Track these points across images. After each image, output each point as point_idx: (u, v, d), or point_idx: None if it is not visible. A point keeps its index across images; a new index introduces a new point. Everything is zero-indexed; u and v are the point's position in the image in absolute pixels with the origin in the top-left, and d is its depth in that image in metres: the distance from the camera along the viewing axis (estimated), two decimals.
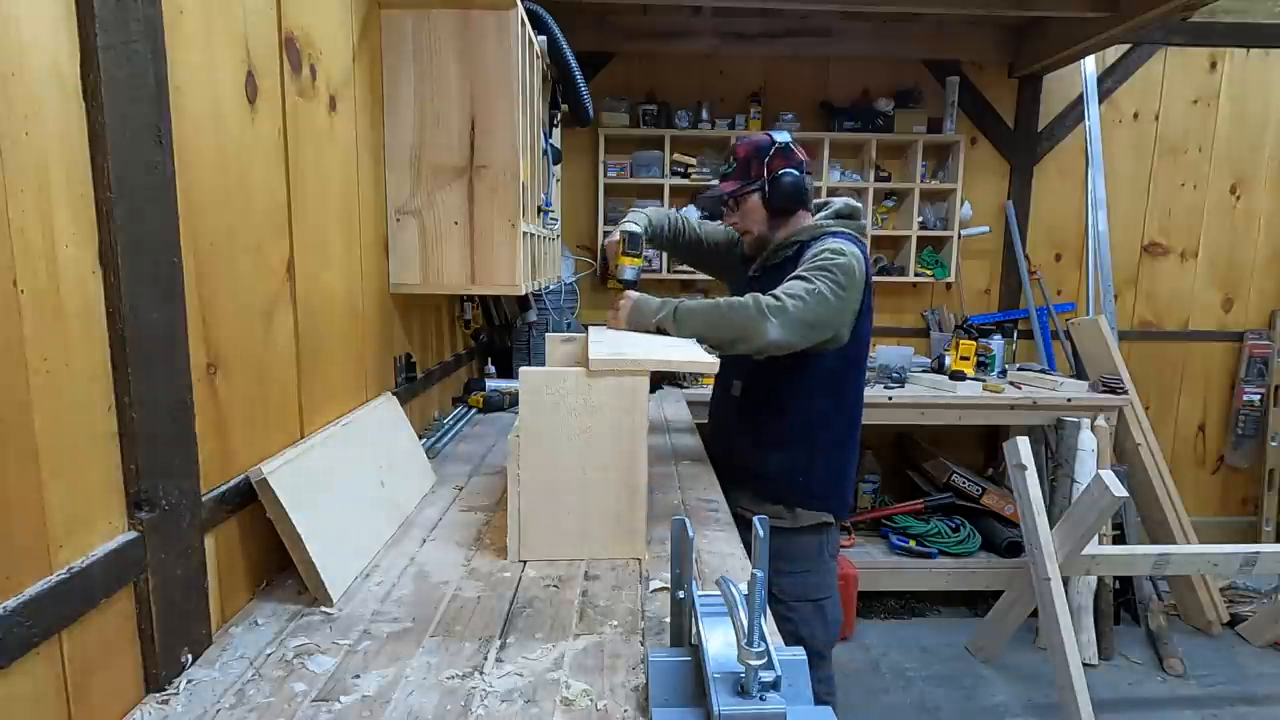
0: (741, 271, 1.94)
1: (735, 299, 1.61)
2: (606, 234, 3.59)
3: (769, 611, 0.98)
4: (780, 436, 1.81)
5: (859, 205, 1.83)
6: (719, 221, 2.02)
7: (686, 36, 3.47)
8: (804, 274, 1.62)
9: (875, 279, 3.62)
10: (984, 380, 3.26)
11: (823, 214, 1.81)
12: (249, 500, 1.14)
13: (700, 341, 1.57)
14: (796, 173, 1.75)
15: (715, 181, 1.91)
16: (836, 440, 1.82)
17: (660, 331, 1.65)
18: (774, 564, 1.56)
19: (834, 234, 1.72)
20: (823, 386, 1.76)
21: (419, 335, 2.14)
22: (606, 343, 1.50)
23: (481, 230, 1.82)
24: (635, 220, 1.94)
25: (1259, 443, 3.85)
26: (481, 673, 0.98)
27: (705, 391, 3.03)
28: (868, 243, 1.82)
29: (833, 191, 3.59)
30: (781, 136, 1.79)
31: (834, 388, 1.78)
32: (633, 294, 1.72)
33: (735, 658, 0.79)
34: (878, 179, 3.60)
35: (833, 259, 1.62)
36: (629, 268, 1.86)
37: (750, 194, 1.79)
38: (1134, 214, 3.79)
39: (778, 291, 1.59)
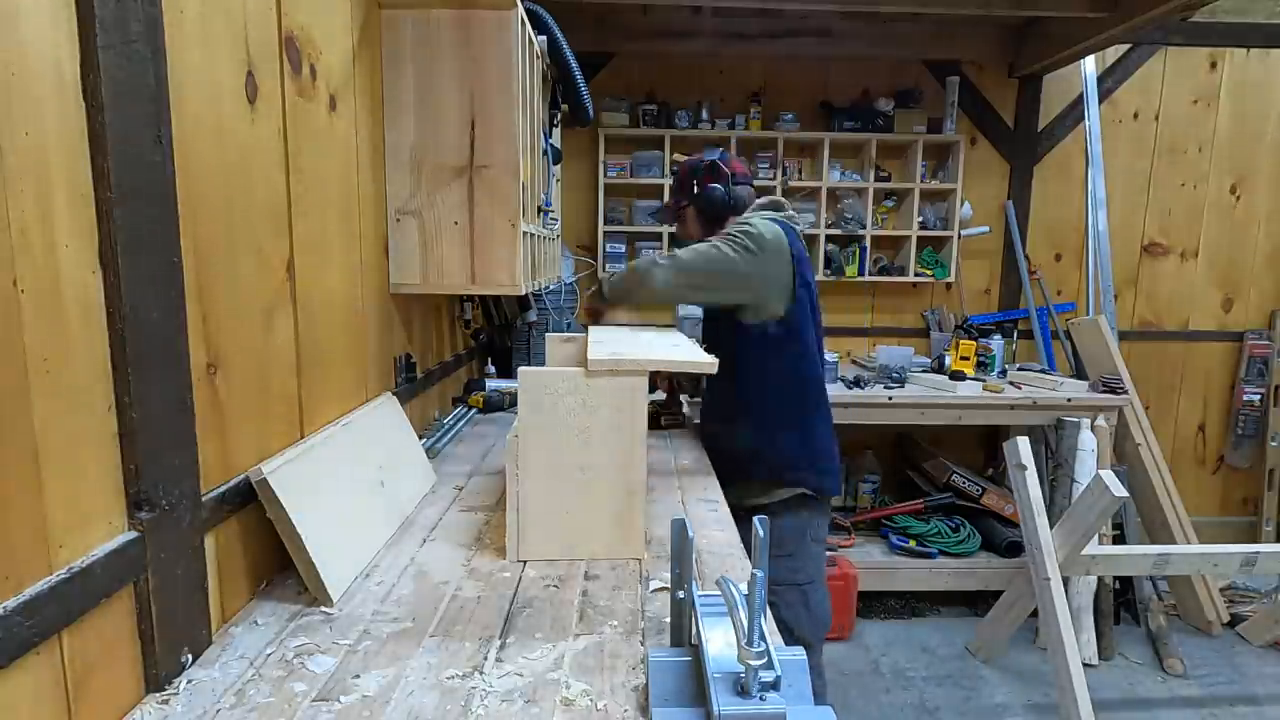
0: None
1: (639, 261, 1.98)
2: (610, 245, 3.60)
3: (769, 611, 0.98)
4: (738, 407, 1.97)
5: (784, 200, 2.04)
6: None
7: (686, 36, 3.47)
8: (713, 239, 1.88)
9: (875, 279, 3.67)
10: (984, 380, 3.26)
11: (750, 209, 2.02)
12: (249, 500, 1.14)
13: (622, 302, 2.01)
14: (722, 187, 2.00)
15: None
16: (795, 410, 1.93)
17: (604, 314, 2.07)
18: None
19: (757, 213, 1.97)
20: (767, 353, 1.90)
21: (419, 335, 2.14)
22: (606, 343, 1.50)
23: (481, 230, 1.82)
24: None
25: (1259, 443, 3.85)
26: (481, 673, 0.98)
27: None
28: (797, 228, 1.95)
29: (831, 192, 3.59)
30: (711, 155, 2.05)
31: (779, 354, 1.90)
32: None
33: (735, 658, 0.79)
34: (878, 179, 3.60)
35: (736, 227, 1.87)
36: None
37: (685, 208, 2.07)
38: (1134, 214, 3.79)
39: (677, 251, 1.90)
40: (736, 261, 1.81)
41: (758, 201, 2.02)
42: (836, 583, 2.90)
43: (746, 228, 1.83)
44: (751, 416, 1.94)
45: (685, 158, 2.03)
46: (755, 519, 0.86)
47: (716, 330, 2.00)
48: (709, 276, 1.82)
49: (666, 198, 2.18)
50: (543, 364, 1.61)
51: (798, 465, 1.92)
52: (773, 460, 1.92)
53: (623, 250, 3.62)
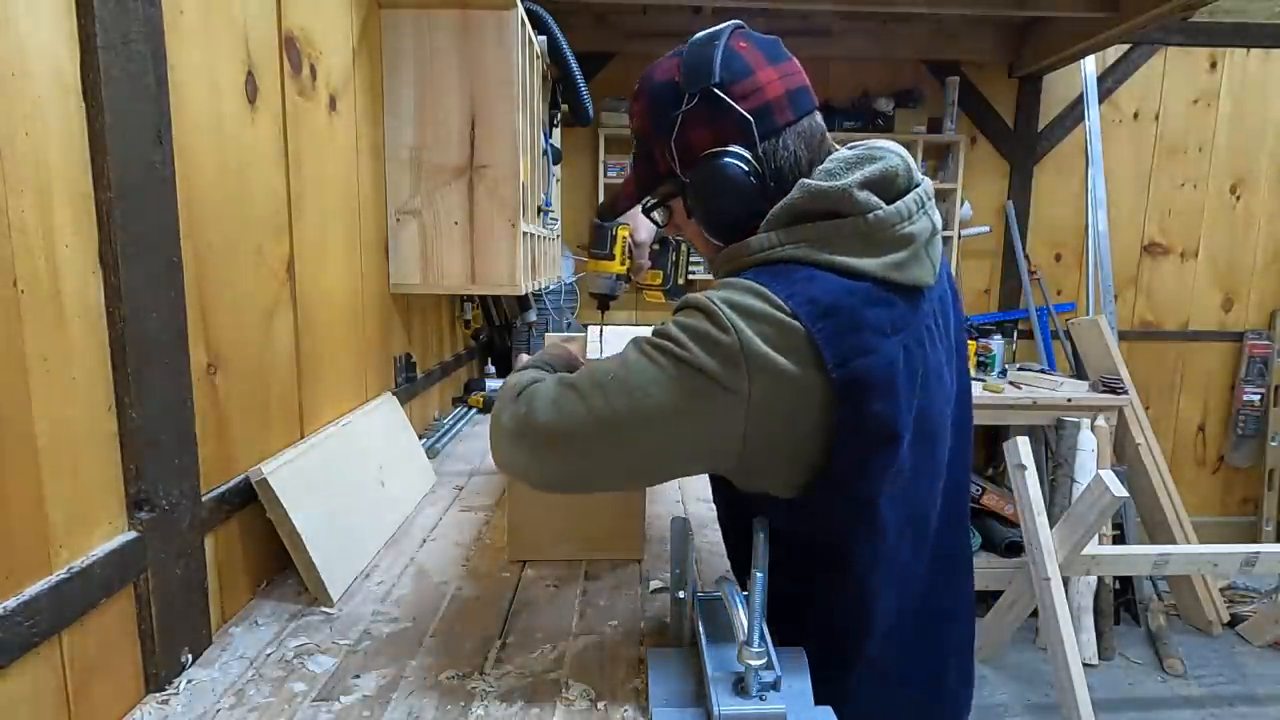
0: None
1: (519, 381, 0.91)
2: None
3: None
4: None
5: (856, 166, 0.81)
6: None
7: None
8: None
9: None
10: (984, 380, 3.26)
11: (771, 213, 0.85)
12: (249, 500, 1.14)
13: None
14: (736, 157, 0.84)
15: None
16: (834, 644, 0.90)
17: None
18: None
19: (760, 269, 0.82)
20: (779, 560, 0.86)
21: (419, 335, 2.14)
22: (606, 342, 1.50)
23: (481, 230, 1.82)
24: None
25: (1259, 443, 3.85)
26: (481, 673, 0.98)
27: None
28: (896, 253, 0.80)
29: None
30: (696, 66, 0.87)
31: (793, 578, 0.89)
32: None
33: (735, 658, 0.79)
34: None
35: (670, 320, 0.81)
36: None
37: (669, 199, 0.97)
38: (1134, 214, 3.79)
39: (563, 374, 0.88)
40: (658, 403, 0.77)
41: (793, 196, 0.82)
42: None
43: (680, 320, 0.79)
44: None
45: (642, 80, 0.92)
46: (755, 518, 0.86)
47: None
48: (562, 458, 0.83)
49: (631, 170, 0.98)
50: None
51: None
52: None
53: None
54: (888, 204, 0.80)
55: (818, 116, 0.89)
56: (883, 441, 0.78)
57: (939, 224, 0.86)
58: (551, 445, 0.82)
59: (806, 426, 0.76)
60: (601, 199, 3.54)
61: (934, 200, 0.87)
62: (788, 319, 0.74)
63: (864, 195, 0.79)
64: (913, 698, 0.98)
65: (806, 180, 0.82)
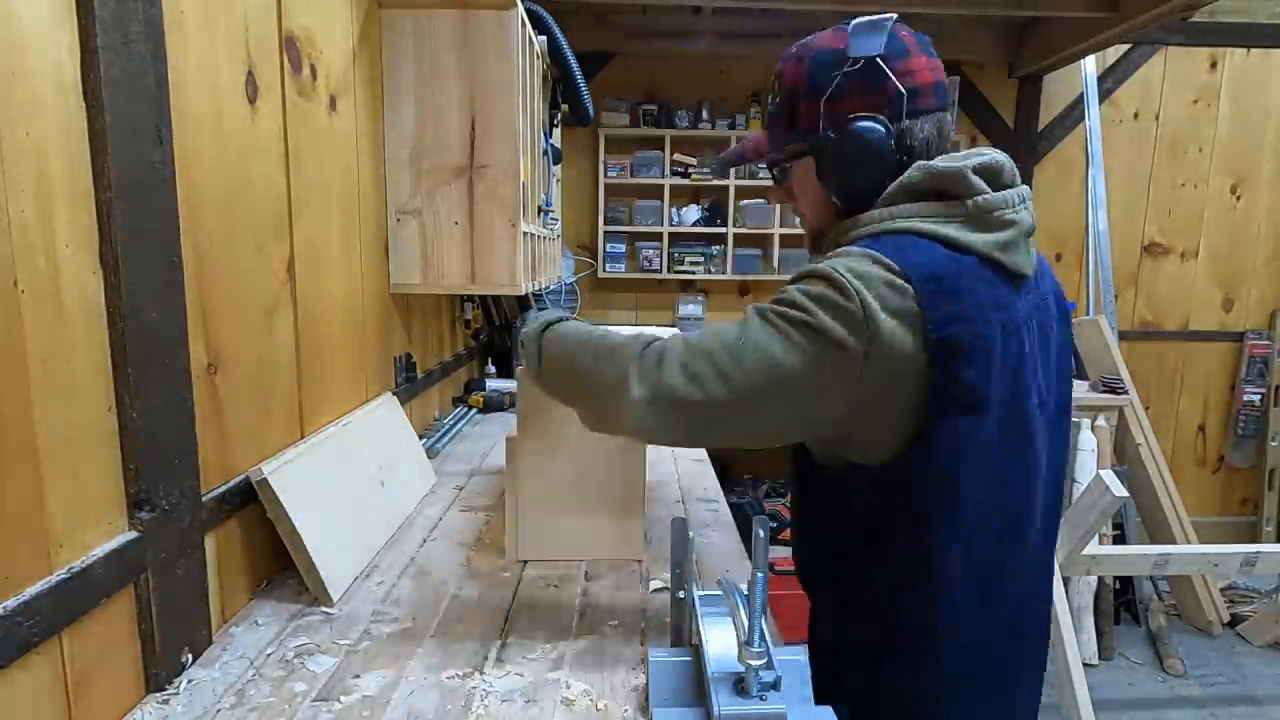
0: None
1: (619, 336, 0.94)
2: (610, 245, 3.59)
3: (769, 613, 0.95)
4: (826, 618, 1.00)
5: (969, 156, 0.89)
6: (755, 202, 1.15)
7: (686, 36, 3.47)
8: (748, 310, 0.87)
9: None
10: None
11: (889, 191, 0.89)
12: (249, 500, 1.14)
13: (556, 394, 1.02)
14: (883, 125, 0.87)
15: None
16: (906, 646, 0.89)
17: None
18: None
19: (873, 240, 0.85)
20: (875, 531, 0.88)
21: (419, 335, 2.14)
22: None
23: (481, 230, 1.82)
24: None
25: (1259, 443, 3.85)
26: (481, 673, 0.98)
27: None
28: (997, 234, 0.85)
29: None
30: (859, 31, 0.88)
31: (897, 548, 0.87)
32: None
33: (735, 658, 0.79)
34: None
35: (790, 288, 0.84)
36: None
37: (798, 157, 0.96)
38: (1134, 214, 3.79)
39: (678, 336, 0.90)
40: (779, 374, 0.81)
41: (912, 172, 0.87)
42: None
43: (806, 287, 0.82)
44: (841, 641, 0.97)
45: (801, 46, 0.95)
46: (755, 518, 0.85)
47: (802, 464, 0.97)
48: (706, 408, 0.83)
49: (764, 128, 1.01)
50: None
51: None
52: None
53: (623, 250, 3.61)
54: (994, 191, 0.86)
55: (950, 115, 0.95)
56: (969, 408, 0.80)
57: (1034, 226, 0.91)
58: (678, 409, 0.84)
59: (906, 389, 0.80)
60: (602, 199, 3.54)
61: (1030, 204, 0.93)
62: (899, 279, 0.79)
63: (976, 179, 0.85)
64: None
65: (924, 161, 0.88)
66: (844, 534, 0.92)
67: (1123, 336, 3.68)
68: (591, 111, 2.53)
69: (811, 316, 0.79)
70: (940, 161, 0.87)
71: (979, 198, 0.85)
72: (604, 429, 0.95)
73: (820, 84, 0.90)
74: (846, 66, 0.88)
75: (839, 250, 0.84)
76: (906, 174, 0.88)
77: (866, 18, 0.90)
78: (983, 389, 0.80)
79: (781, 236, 3.57)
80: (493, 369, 2.96)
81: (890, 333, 0.77)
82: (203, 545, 1.02)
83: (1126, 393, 3.16)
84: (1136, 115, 3.72)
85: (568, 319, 1.00)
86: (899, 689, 0.90)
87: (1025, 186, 0.93)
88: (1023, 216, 0.88)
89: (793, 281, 0.85)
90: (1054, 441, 0.96)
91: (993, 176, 0.88)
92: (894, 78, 0.88)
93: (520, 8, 1.78)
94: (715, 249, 3.62)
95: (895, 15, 0.90)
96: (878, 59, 0.87)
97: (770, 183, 1.06)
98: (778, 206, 3.48)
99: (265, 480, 1.11)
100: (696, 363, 0.84)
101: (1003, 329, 0.82)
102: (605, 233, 3.59)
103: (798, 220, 1.05)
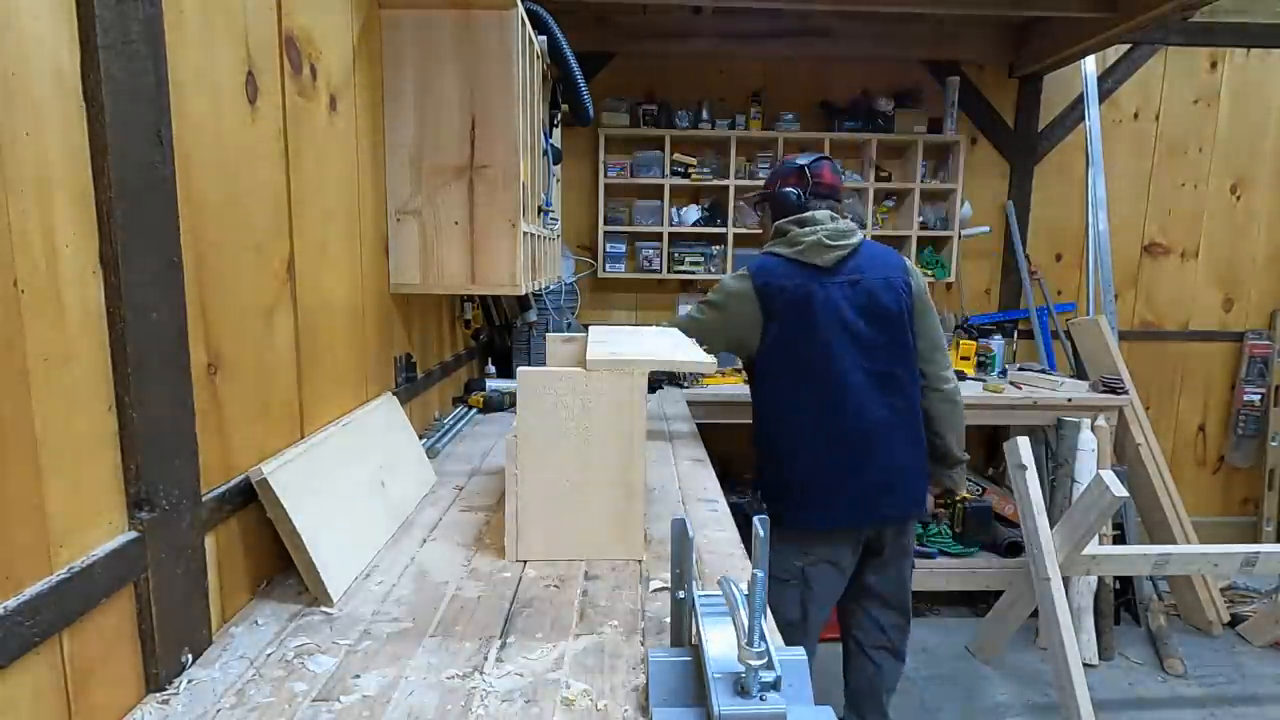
0: None
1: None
2: (610, 245, 3.60)
3: (768, 612, 0.98)
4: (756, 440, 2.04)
5: (813, 216, 1.92)
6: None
7: (686, 36, 3.47)
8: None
9: None
10: (984, 380, 3.26)
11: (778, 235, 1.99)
12: (249, 500, 1.14)
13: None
14: (796, 192, 1.95)
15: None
16: (772, 442, 1.94)
17: None
18: None
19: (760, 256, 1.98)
20: (756, 393, 1.99)
21: (419, 335, 2.14)
22: (606, 343, 1.50)
23: (481, 230, 1.82)
24: None
25: (1259, 443, 3.85)
26: (482, 673, 0.98)
27: (705, 392, 3.03)
28: (802, 257, 1.87)
29: None
30: (804, 160, 1.97)
31: (760, 389, 1.97)
32: None
33: (735, 658, 0.79)
34: (878, 179, 3.60)
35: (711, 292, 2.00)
36: None
37: (765, 199, 2.06)
38: (1134, 214, 3.79)
39: (691, 311, 2.04)
40: (704, 322, 1.95)
41: (782, 222, 1.96)
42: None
43: (714, 290, 1.98)
44: (756, 448, 2.01)
45: (793, 158, 2.03)
46: (755, 518, 0.86)
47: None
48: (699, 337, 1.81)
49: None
50: (543, 364, 1.61)
51: (773, 497, 1.93)
52: (762, 490, 1.98)
53: (623, 250, 3.61)
54: (799, 229, 1.93)
55: (802, 198, 2.00)
56: (779, 317, 1.86)
57: (848, 245, 1.89)
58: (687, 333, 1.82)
59: (749, 318, 1.90)
60: (602, 199, 3.54)
61: (847, 236, 1.91)
62: (744, 272, 1.94)
63: (794, 227, 1.94)
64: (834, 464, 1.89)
65: (785, 220, 1.98)
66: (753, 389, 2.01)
67: (1123, 336, 3.68)
68: (591, 111, 2.53)
69: (709, 298, 2.00)
70: (794, 217, 1.96)
71: (790, 233, 1.92)
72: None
73: (773, 180, 2.05)
74: (791, 170, 2.00)
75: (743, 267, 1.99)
76: (781, 222, 1.97)
77: (811, 156, 2.02)
78: (779, 310, 1.86)
79: None
80: (493, 369, 2.96)
81: (736, 296, 1.91)
82: (203, 545, 1.02)
83: (1126, 393, 3.16)
84: (1136, 115, 3.72)
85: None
86: (767, 458, 1.99)
87: (843, 224, 1.94)
88: (813, 240, 1.88)
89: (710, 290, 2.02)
90: (872, 337, 1.86)
91: (803, 223, 1.92)
92: (810, 176, 1.97)
93: (520, 8, 1.78)
94: (715, 249, 3.62)
95: (821, 156, 2.02)
96: (806, 167, 1.98)
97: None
98: None
99: (265, 480, 1.11)
100: (683, 323, 1.98)
101: (789, 287, 1.85)
102: (605, 233, 3.59)
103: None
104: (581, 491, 1.31)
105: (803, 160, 1.97)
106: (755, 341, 1.88)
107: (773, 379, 1.92)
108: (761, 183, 2.11)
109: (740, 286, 1.89)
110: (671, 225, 3.57)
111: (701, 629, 0.88)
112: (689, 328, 1.90)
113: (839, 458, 1.86)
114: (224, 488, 1.09)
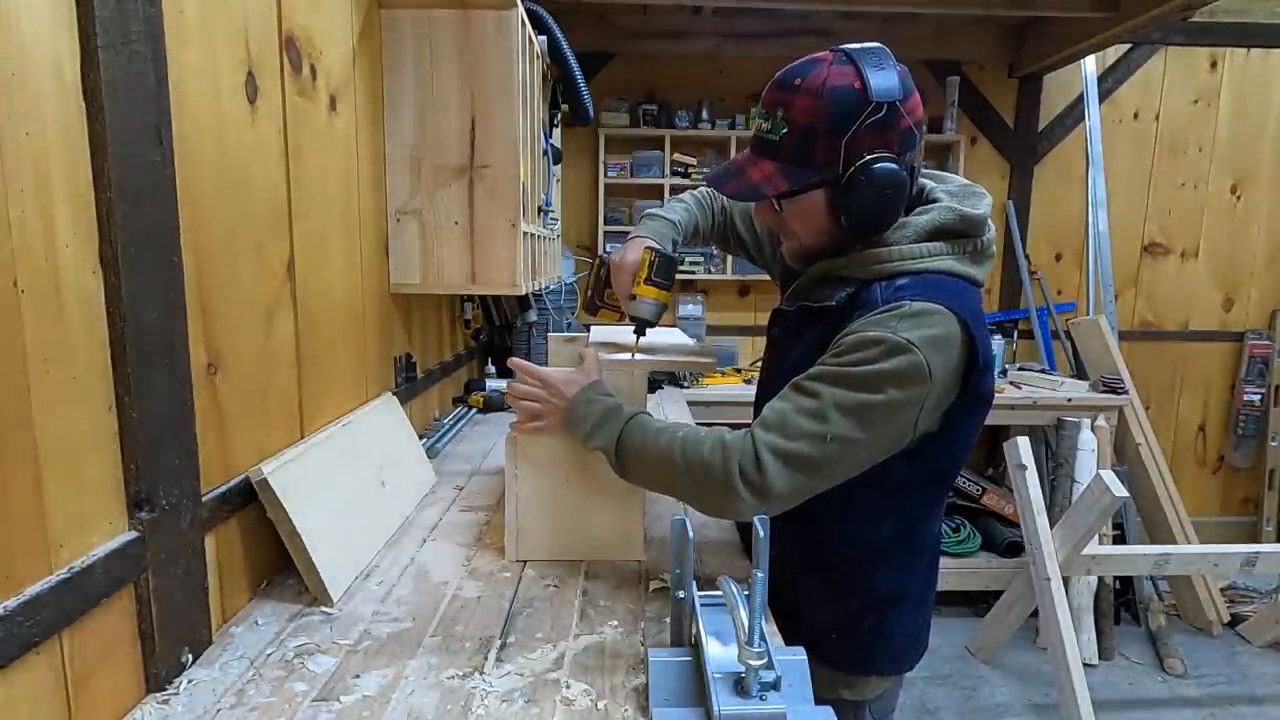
0: (782, 271, 1.30)
1: (697, 445, 1.03)
2: (610, 245, 3.59)
3: (768, 612, 0.97)
4: (824, 571, 1.17)
5: (980, 198, 1.07)
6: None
7: (686, 36, 3.47)
8: (809, 386, 0.99)
9: None
10: None
11: (916, 219, 1.03)
12: (249, 500, 1.14)
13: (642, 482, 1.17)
14: (894, 168, 0.96)
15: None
16: (906, 586, 1.17)
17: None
18: None
19: (918, 279, 1.00)
20: (881, 508, 1.10)
21: (419, 335, 2.14)
22: (605, 341, 1.50)
23: (481, 230, 1.82)
24: (664, 230, 1.32)
25: (1259, 443, 3.85)
26: (481, 673, 0.98)
27: (705, 392, 3.03)
28: (988, 268, 1.07)
29: None
30: (875, 66, 0.95)
31: (900, 511, 1.12)
32: (567, 386, 1.19)
33: (735, 658, 0.79)
34: None
35: (871, 366, 0.94)
36: (649, 301, 1.27)
37: (809, 186, 1.02)
38: (1134, 214, 3.79)
39: (758, 439, 0.99)
40: (875, 444, 0.98)
41: (930, 214, 1.03)
42: None
43: (883, 366, 0.93)
44: (822, 586, 1.18)
45: (802, 65, 1.00)
46: (755, 519, 0.86)
47: None
48: (825, 484, 1.01)
49: (756, 153, 1.06)
50: (544, 364, 1.61)
51: (874, 662, 1.18)
52: (839, 651, 1.15)
53: None
54: (976, 220, 1.04)
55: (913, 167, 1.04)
56: (981, 396, 1.04)
57: None
58: (789, 501, 1.02)
59: (943, 400, 1.00)
60: (602, 199, 3.54)
61: None
62: (957, 327, 0.97)
63: (964, 221, 1.03)
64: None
65: (953, 205, 1.03)
66: (855, 497, 1.07)
67: (1123, 336, 3.68)
68: (591, 111, 2.53)
69: (887, 396, 0.94)
70: (963, 207, 1.03)
71: (985, 238, 1.05)
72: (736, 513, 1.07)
73: (841, 126, 0.96)
74: (868, 110, 0.95)
75: (896, 309, 0.97)
76: (940, 214, 1.02)
77: (858, 46, 0.98)
78: (984, 387, 1.04)
79: None
80: (493, 369, 2.96)
81: (943, 371, 0.96)
82: (203, 545, 1.02)
83: (1126, 393, 3.17)
84: (1136, 115, 3.72)
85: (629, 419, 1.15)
86: (899, 613, 1.19)
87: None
88: (988, 242, 1.07)
89: (866, 342, 0.96)
90: None
91: (974, 224, 1.04)
92: (908, 119, 0.98)
93: (520, 8, 1.78)
94: (715, 249, 3.62)
95: (884, 46, 0.99)
96: (897, 103, 0.96)
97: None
98: None
99: (265, 480, 1.11)
100: (793, 464, 0.98)
101: (984, 342, 1.01)
102: (605, 233, 3.59)
103: (779, 235, 1.15)
104: (582, 491, 1.31)
105: (877, 80, 0.94)
106: (928, 423, 1.01)
107: (921, 486, 1.11)
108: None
109: (944, 360, 0.95)
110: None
111: (701, 629, 0.88)
112: (813, 452, 0.97)
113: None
114: (224, 488, 1.09)
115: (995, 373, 1.16)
